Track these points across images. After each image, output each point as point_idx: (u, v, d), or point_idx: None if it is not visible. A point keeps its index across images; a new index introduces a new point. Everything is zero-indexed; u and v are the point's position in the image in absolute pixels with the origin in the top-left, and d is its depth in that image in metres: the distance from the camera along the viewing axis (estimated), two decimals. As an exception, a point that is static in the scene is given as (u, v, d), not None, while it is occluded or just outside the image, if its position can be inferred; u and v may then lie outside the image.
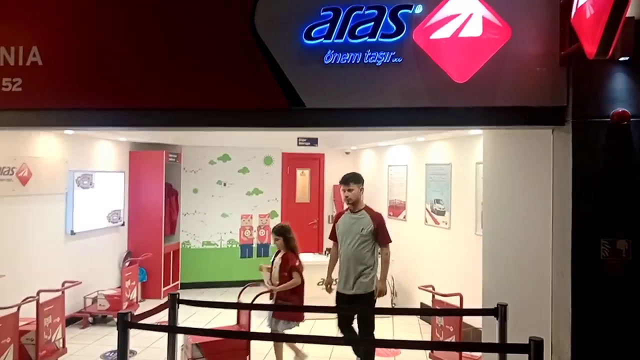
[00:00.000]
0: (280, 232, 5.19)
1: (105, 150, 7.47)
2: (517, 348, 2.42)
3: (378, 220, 4.79)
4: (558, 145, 3.16)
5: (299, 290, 4.95)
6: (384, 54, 3.08)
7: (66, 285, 5.31)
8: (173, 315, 3.41)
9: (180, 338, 4.24)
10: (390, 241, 4.85)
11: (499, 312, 3.20)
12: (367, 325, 4.62)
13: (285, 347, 5.02)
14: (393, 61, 3.07)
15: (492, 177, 4.09)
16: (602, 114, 2.82)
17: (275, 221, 9.35)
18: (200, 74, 3.30)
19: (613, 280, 2.83)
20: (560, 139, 3.09)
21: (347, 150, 9.73)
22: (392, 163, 8.03)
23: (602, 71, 2.81)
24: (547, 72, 2.99)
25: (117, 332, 2.92)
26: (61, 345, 5.14)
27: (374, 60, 3.08)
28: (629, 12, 2.57)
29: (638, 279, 2.81)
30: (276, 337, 4.81)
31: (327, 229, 9.75)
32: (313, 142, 9.36)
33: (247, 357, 4.61)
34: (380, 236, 4.75)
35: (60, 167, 6.23)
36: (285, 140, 9.12)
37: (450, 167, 6.28)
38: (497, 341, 3.24)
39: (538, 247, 3.50)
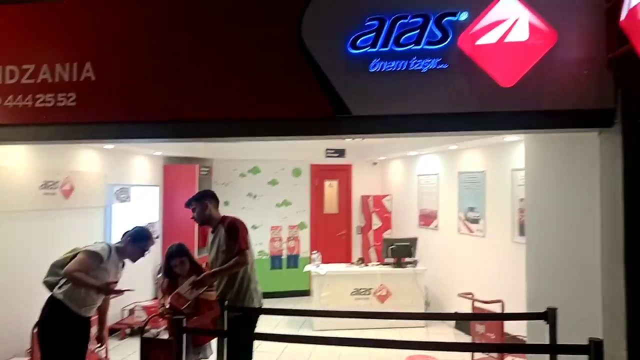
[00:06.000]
0: (185, 251, 4.16)
1: (141, 165, 7.64)
2: (577, 349, 2.41)
3: (228, 226, 3.98)
4: (606, 148, 3.16)
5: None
6: (429, 60, 3.13)
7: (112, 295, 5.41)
8: (222, 321, 3.48)
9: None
10: (243, 248, 3.91)
11: (549, 316, 3.18)
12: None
13: None
14: (439, 67, 3.12)
15: (536, 182, 4.09)
16: (653, 115, 2.83)
17: (305, 233, 9.41)
18: (248, 85, 3.40)
19: (669, 281, 2.80)
20: (608, 142, 3.09)
21: (375, 161, 9.77)
22: (422, 172, 8.04)
23: (652, 72, 2.82)
24: (594, 75, 3.01)
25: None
26: (104, 356, 5.23)
27: (420, 67, 3.15)
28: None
29: (695, 280, 2.78)
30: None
31: (356, 239, 9.80)
32: (341, 153, 9.42)
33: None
34: (232, 244, 3.92)
35: (99, 181, 6.40)
36: (313, 151, 9.21)
37: (484, 174, 6.27)
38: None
39: (586, 251, 3.48)
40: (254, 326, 4.02)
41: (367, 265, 7.32)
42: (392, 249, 7.12)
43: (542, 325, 3.32)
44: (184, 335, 2.93)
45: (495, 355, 4.60)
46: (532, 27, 2.91)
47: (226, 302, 3.57)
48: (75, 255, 3.75)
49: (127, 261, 4.05)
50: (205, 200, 4.09)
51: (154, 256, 7.99)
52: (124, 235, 3.96)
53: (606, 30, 2.96)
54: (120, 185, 6.88)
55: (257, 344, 4.20)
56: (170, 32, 3.51)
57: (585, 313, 3.38)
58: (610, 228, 3.10)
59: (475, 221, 6.46)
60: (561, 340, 3.25)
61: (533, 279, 4.07)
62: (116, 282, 3.82)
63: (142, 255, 3.94)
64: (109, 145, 6.37)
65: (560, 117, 3.11)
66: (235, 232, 3.93)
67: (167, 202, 8.18)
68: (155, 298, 7.17)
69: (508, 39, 2.93)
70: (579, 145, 3.56)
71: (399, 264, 7.09)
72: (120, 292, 3.71)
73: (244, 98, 3.41)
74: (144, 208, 7.47)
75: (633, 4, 2.43)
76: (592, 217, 3.33)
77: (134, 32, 3.56)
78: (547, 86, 3.05)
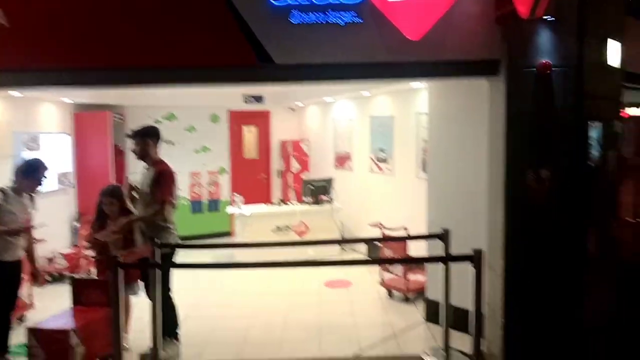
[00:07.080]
0: (118, 194, 4.32)
1: (49, 112, 7.30)
2: (463, 258, 2.98)
3: (157, 174, 4.02)
4: (493, 93, 3.71)
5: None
6: (346, 14, 3.42)
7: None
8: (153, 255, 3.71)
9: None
10: (166, 200, 3.98)
11: (443, 236, 3.78)
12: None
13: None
14: (355, 21, 3.43)
15: (437, 124, 4.63)
16: (529, 65, 3.36)
17: (225, 178, 9.59)
18: (171, 33, 3.50)
19: (537, 204, 3.44)
20: (495, 88, 3.63)
21: (293, 107, 10.02)
22: (337, 117, 8.45)
23: (530, 29, 3.33)
24: (485, 30, 3.48)
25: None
26: (29, 302, 5.26)
27: (337, 20, 3.43)
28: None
29: (556, 203, 3.44)
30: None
31: (276, 182, 10.16)
32: (259, 99, 9.52)
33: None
34: (156, 191, 3.98)
35: (5, 129, 6.10)
36: (231, 98, 9.22)
37: (393, 118, 6.80)
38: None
39: (475, 182, 4.10)
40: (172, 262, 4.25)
41: (287, 205, 7.73)
42: (310, 188, 7.57)
43: (440, 247, 3.92)
44: (120, 271, 3.15)
45: (400, 274, 5.28)
46: (434, -15, 3.27)
47: (156, 241, 3.78)
48: None
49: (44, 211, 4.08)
50: (147, 137, 4.14)
51: (69, 205, 7.84)
52: (14, 173, 3.91)
53: (495, -10, 3.40)
54: (28, 134, 6.59)
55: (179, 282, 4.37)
56: (89, -24, 3.46)
57: (474, 232, 4.04)
58: (494, 162, 3.70)
59: (384, 161, 7.04)
60: (454, 257, 3.87)
61: (432, 208, 4.69)
62: (28, 221, 3.88)
63: (40, 184, 3.96)
64: (15, 92, 6.04)
65: (458, 66, 3.58)
66: (160, 181, 4.02)
67: (79, 150, 7.94)
68: (76, 245, 7.13)
69: (414, -4, 3.27)
70: (473, 92, 4.09)
71: (316, 202, 7.58)
72: (33, 227, 3.86)
73: (167, 46, 3.51)
74: (55, 157, 7.22)
75: (513, -29, 2.85)
76: (482, 153, 3.92)
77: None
78: (446, 40, 3.48)
